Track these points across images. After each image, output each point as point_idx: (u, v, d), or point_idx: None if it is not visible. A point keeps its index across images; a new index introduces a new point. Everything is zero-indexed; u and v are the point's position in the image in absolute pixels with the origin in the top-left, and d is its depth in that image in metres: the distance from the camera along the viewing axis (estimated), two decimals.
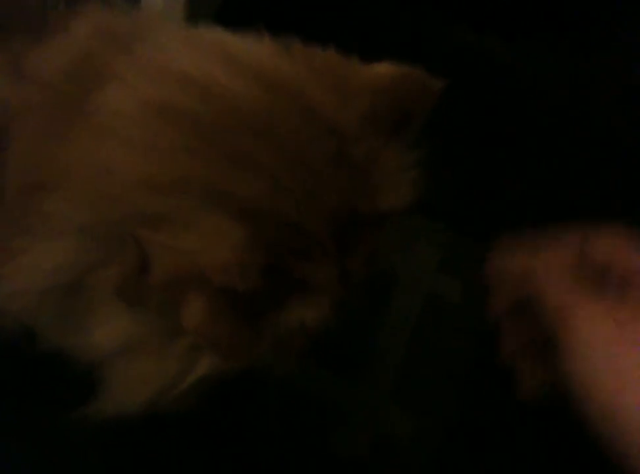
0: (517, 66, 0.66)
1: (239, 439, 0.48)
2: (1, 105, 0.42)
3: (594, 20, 0.66)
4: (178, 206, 0.35)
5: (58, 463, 0.45)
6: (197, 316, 0.34)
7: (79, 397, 0.39)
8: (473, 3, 0.70)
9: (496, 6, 0.67)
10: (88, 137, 0.37)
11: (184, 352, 0.38)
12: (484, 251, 0.46)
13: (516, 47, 0.66)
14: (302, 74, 0.38)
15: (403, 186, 0.40)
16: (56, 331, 0.40)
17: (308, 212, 0.37)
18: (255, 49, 0.39)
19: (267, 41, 0.40)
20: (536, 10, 0.69)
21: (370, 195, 0.39)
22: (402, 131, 0.40)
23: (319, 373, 0.48)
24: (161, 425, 0.46)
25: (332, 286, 0.39)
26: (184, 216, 0.35)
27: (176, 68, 0.37)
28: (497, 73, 0.65)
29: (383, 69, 0.40)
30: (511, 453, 0.47)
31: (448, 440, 0.47)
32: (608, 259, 0.41)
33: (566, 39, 0.67)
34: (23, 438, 0.45)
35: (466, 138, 0.63)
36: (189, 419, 0.46)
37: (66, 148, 0.38)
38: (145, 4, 0.65)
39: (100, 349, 0.39)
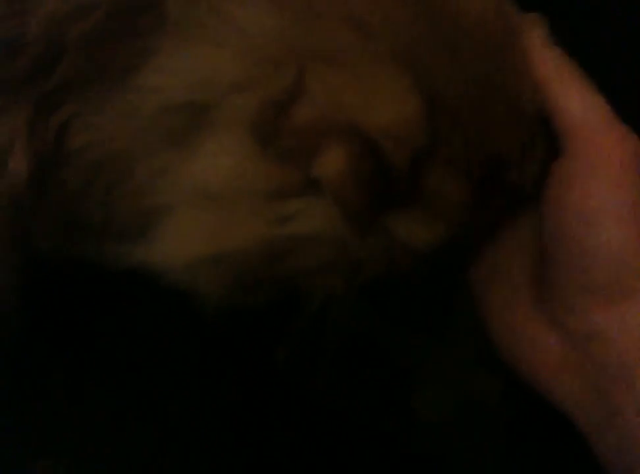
0: None
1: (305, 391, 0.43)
2: None
3: None
4: (364, 50, 0.31)
5: None
6: (336, 166, 0.30)
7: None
8: None
9: None
10: None
11: (274, 221, 0.34)
12: None
13: None
14: None
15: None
16: (151, 159, 0.34)
17: (479, 140, 0.34)
18: None
19: None
20: None
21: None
22: None
23: (401, 330, 0.43)
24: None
25: (460, 212, 0.35)
26: (365, 64, 0.31)
27: None
28: None
29: None
30: None
31: (535, 407, 0.42)
32: None
33: None
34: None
35: None
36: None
37: None
38: None
39: (184, 186, 0.34)
